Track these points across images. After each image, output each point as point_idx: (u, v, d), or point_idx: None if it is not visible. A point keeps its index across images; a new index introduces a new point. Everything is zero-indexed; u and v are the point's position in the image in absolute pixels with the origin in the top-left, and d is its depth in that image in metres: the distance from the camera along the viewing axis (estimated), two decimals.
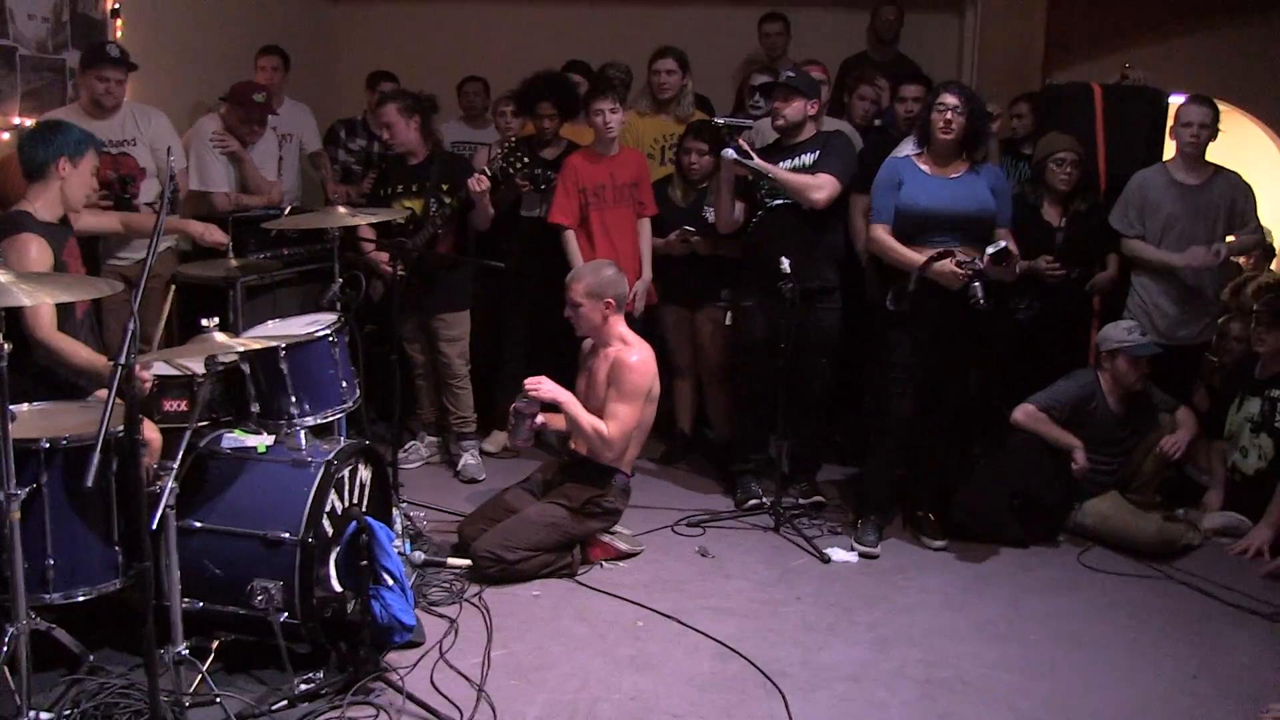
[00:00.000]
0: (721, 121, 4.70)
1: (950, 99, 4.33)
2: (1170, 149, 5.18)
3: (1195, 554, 4.58)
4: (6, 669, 2.79)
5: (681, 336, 5.37)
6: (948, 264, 4.20)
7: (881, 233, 4.42)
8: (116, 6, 5.28)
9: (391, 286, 4.66)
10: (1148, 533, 4.55)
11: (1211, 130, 4.89)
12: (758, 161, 4.53)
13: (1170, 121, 5.17)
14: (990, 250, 4.18)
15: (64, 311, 3.56)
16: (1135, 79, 5.58)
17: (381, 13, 7.59)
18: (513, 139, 5.01)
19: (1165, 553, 4.52)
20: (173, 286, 4.18)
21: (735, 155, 4.48)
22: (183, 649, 2.94)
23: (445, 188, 4.99)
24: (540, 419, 4.22)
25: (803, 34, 6.57)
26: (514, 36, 7.20)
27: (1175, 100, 5.49)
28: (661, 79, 5.55)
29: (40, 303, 2.99)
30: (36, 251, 3.39)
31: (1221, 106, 5.07)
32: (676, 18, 7.11)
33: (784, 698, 3.29)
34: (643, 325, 5.12)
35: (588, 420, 4.15)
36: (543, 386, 4.11)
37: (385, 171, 5.26)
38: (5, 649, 2.77)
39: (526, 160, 4.92)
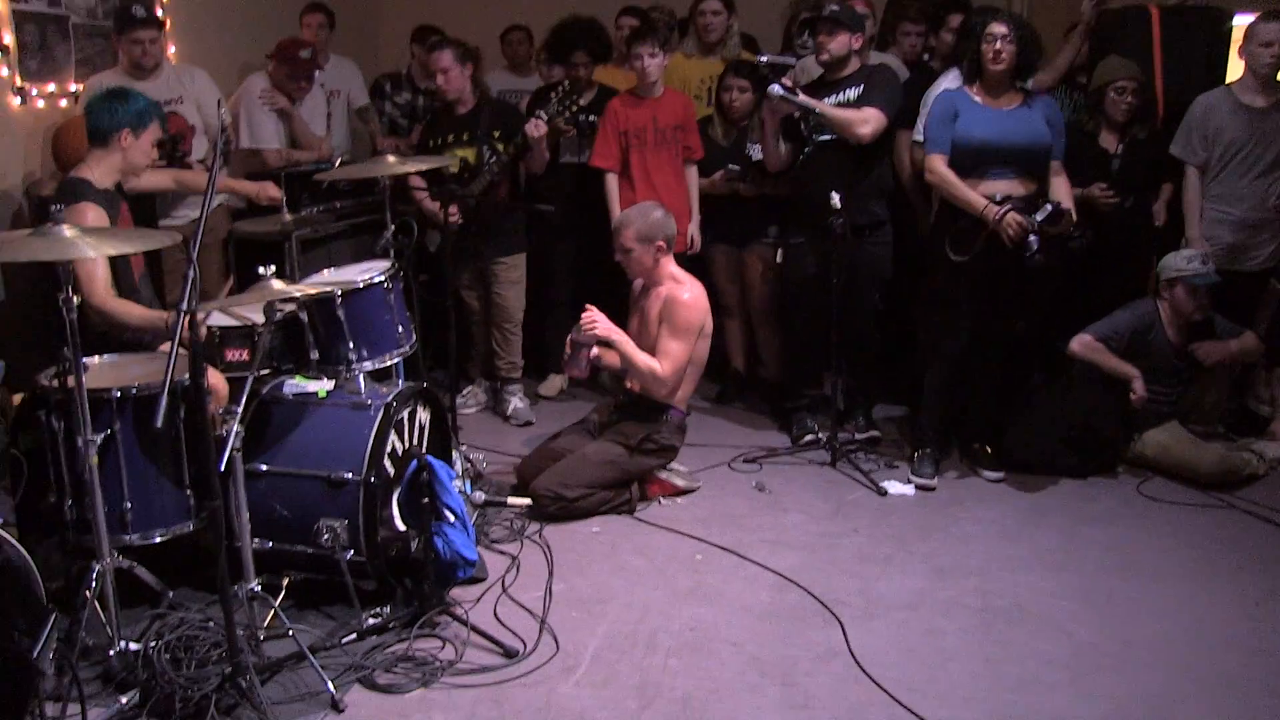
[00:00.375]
0: (765, 60, 4.66)
1: (998, 28, 4.26)
2: (1236, 70, 5.04)
3: (1260, 484, 4.53)
4: (97, 604, 2.92)
5: (729, 276, 5.37)
6: (1009, 217, 4.17)
7: (940, 164, 4.37)
8: None
9: (447, 236, 4.71)
10: (1209, 462, 4.51)
11: None
12: (803, 98, 4.49)
13: (1239, 41, 5.02)
14: (1040, 217, 4.14)
15: (122, 276, 3.66)
16: None
17: None
18: (566, 83, 5.00)
19: (1228, 482, 4.48)
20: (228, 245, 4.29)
21: (782, 92, 4.45)
22: (255, 586, 3.04)
23: (497, 134, 5.01)
24: (595, 351, 4.24)
25: None
26: None
27: (1240, 20, 5.34)
28: (708, 20, 5.50)
29: (102, 255, 3.05)
30: (94, 219, 3.47)
31: None
32: None
33: (842, 626, 3.34)
34: (689, 265, 5.13)
35: (642, 358, 4.19)
36: (598, 323, 4.15)
37: (433, 122, 5.28)
38: (94, 585, 2.90)
39: (581, 104, 4.90)
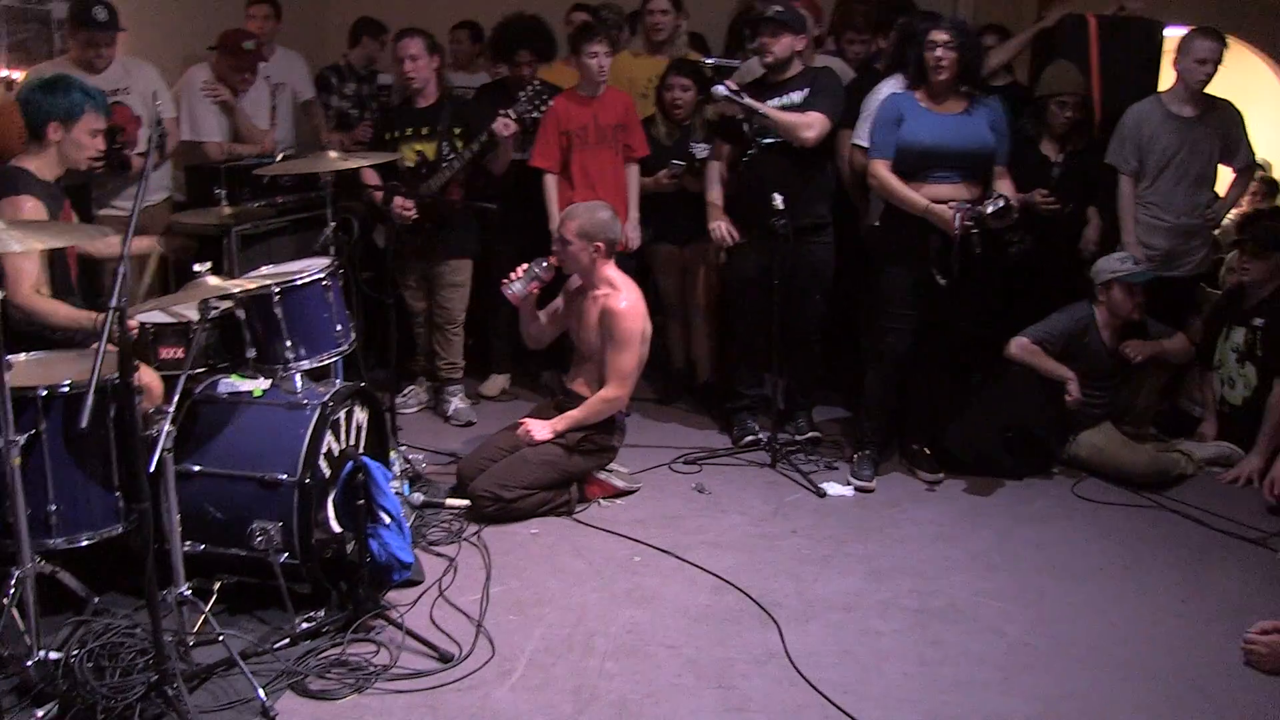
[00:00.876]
0: (709, 62, 4.66)
1: (940, 35, 4.29)
2: (1166, 81, 5.14)
3: (1189, 484, 4.64)
4: (15, 611, 2.84)
5: (673, 275, 5.38)
6: (948, 211, 4.21)
7: (883, 170, 4.40)
8: None
9: (398, 232, 4.67)
10: (1141, 463, 4.60)
11: (1215, 65, 4.84)
12: (748, 100, 4.50)
13: (1173, 53, 5.11)
14: (989, 209, 4.18)
15: (58, 274, 3.57)
16: (1132, 10, 5.51)
17: None
18: (538, 83, 4.96)
19: (1159, 483, 4.57)
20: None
21: (726, 93, 4.46)
22: (185, 590, 2.99)
23: (458, 132, 4.97)
24: (534, 287, 4.29)
25: None
26: None
27: (1172, 32, 5.45)
28: (656, 19, 5.50)
29: (29, 249, 2.98)
30: (31, 211, 3.39)
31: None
32: None
33: (779, 627, 3.35)
34: (635, 264, 5.14)
35: (587, 412, 4.23)
36: (534, 433, 4.19)
37: (388, 114, 5.20)
38: (13, 592, 2.82)
39: (549, 100, 4.87)
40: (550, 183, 5.10)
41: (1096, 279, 4.71)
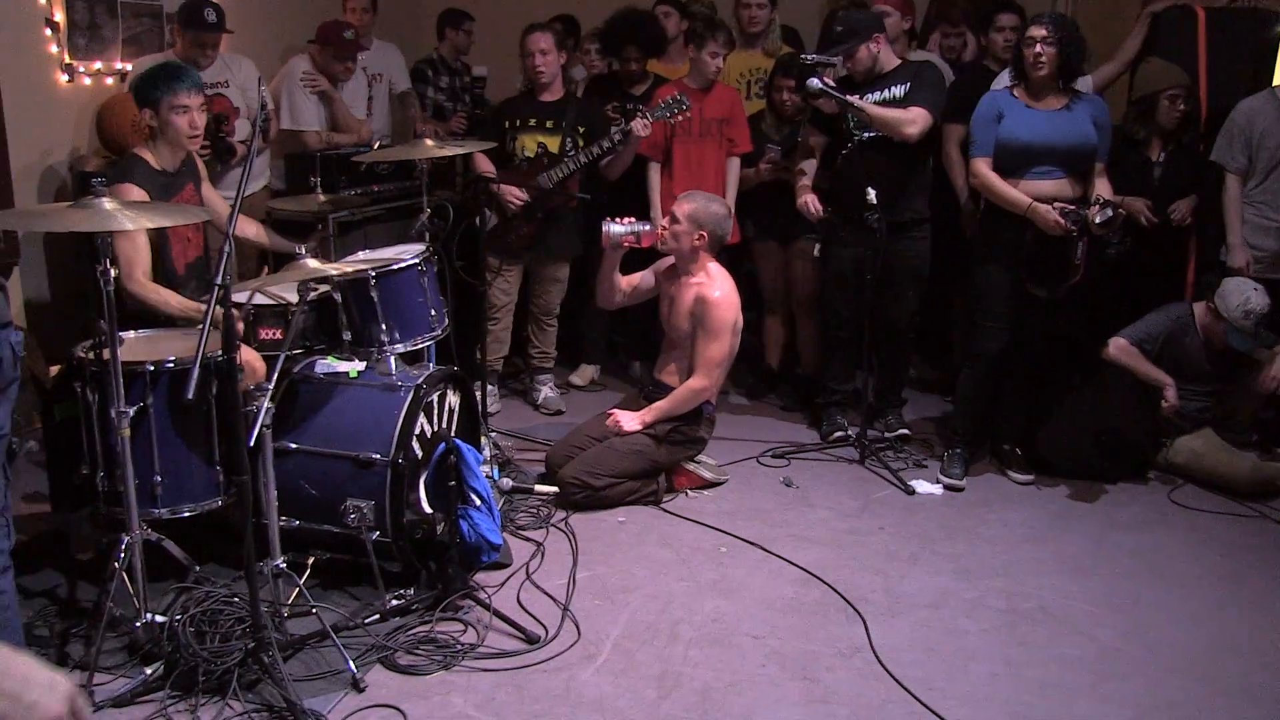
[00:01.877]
0: (809, 59, 4.61)
1: (1037, 30, 4.21)
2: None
3: None
4: (125, 575, 2.95)
5: (773, 271, 5.36)
6: (1052, 212, 4.13)
7: (984, 167, 4.35)
8: None
9: (508, 220, 4.71)
10: (1243, 470, 4.46)
11: None
12: (843, 95, 4.46)
13: None
14: (1098, 220, 4.10)
15: (162, 262, 3.67)
16: (1243, 1, 5.34)
17: None
18: (678, 93, 4.93)
19: (1261, 492, 4.43)
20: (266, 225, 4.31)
21: (820, 86, 4.42)
22: (280, 563, 3.07)
23: (582, 129, 5.00)
24: (629, 242, 4.30)
25: None
26: None
27: None
28: (752, 13, 5.48)
29: (140, 228, 3.06)
30: (135, 198, 3.49)
31: None
32: None
33: (864, 622, 3.33)
34: (731, 260, 5.12)
35: (674, 403, 4.24)
36: (621, 425, 4.23)
37: (510, 103, 5.20)
38: (123, 556, 2.93)
39: (687, 111, 4.89)
40: (654, 171, 5.14)
41: (1216, 298, 4.51)
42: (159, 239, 3.67)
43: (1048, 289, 4.27)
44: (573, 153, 4.94)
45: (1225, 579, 3.73)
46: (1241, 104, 4.82)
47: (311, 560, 3.37)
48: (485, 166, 4.98)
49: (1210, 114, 5.08)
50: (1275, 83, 4.97)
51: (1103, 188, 4.33)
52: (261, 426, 2.92)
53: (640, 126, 4.81)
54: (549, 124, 5.01)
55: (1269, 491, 4.44)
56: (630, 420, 4.24)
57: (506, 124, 5.06)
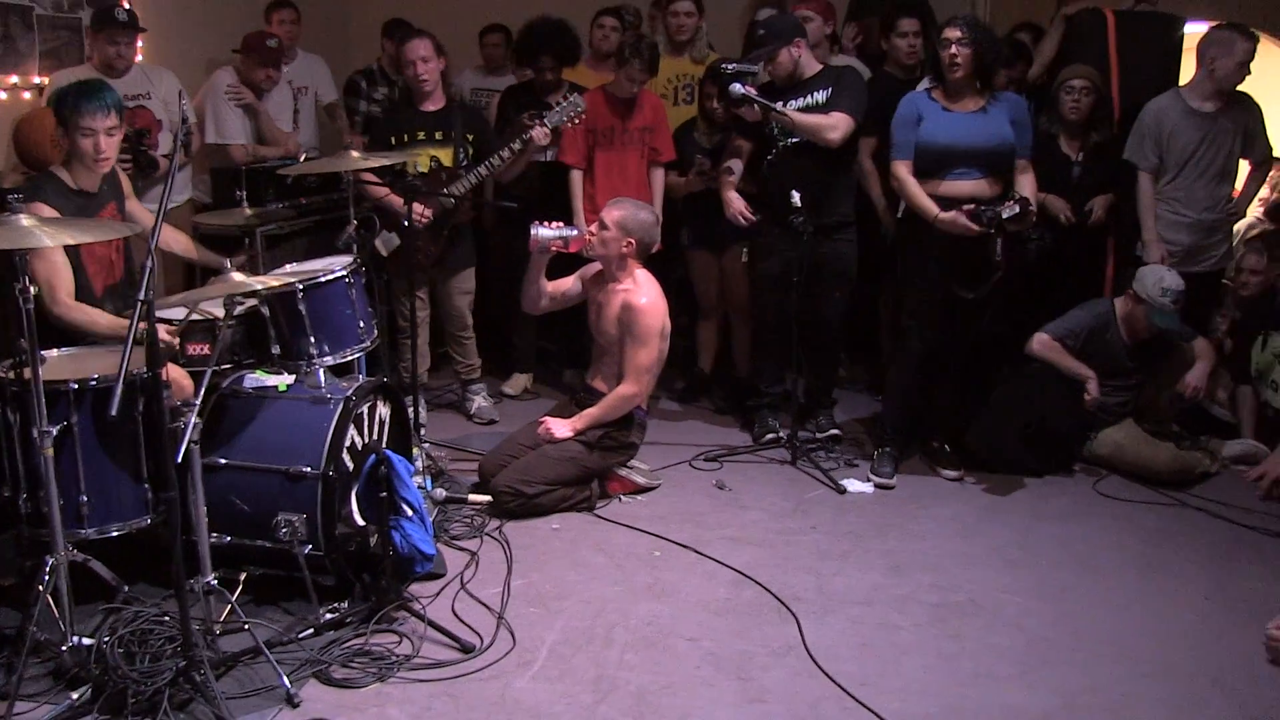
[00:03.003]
0: (729, 68, 4.65)
1: (951, 33, 4.29)
2: (1186, 75, 5.12)
3: (1212, 481, 4.62)
4: (50, 598, 2.90)
5: (707, 278, 5.40)
6: (960, 217, 4.21)
7: (903, 170, 4.42)
8: None
9: (411, 235, 4.70)
10: (1163, 460, 4.59)
11: (1246, 66, 4.81)
12: (765, 102, 4.50)
13: (1191, 48, 5.08)
14: (1005, 214, 4.18)
15: (79, 290, 3.59)
16: (1148, 5, 5.51)
17: None
18: (574, 95, 4.96)
19: (1181, 480, 4.56)
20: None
21: (741, 92, 4.46)
22: (212, 580, 3.04)
23: (470, 138, 4.99)
24: (558, 245, 4.31)
25: None
26: None
27: (1192, 28, 5.44)
28: (680, 20, 5.53)
29: (58, 244, 3.01)
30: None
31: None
32: None
33: (797, 621, 3.37)
34: (663, 267, 5.16)
35: (605, 409, 4.26)
36: (552, 433, 4.24)
37: (394, 116, 5.15)
38: (47, 579, 2.88)
39: (583, 112, 4.89)
40: (576, 179, 5.16)
41: (1134, 284, 4.65)
42: (74, 261, 3.58)
43: (971, 289, 4.35)
44: (466, 164, 4.90)
45: (1148, 566, 3.83)
46: (1150, 104, 4.96)
47: (243, 576, 3.34)
48: (378, 192, 4.81)
49: (1124, 113, 5.22)
50: (1180, 83, 5.13)
51: (1024, 184, 4.41)
52: (189, 442, 2.89)
53: (540, 135, 4.81)
54: (438, 135, 4.95)
55: (1188, 479, 4.57)
56: (562, 427, 4.25)
57: (393, 139, 4.96)
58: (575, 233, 4.31)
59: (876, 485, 4.49)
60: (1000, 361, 4.87)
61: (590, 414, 4.27)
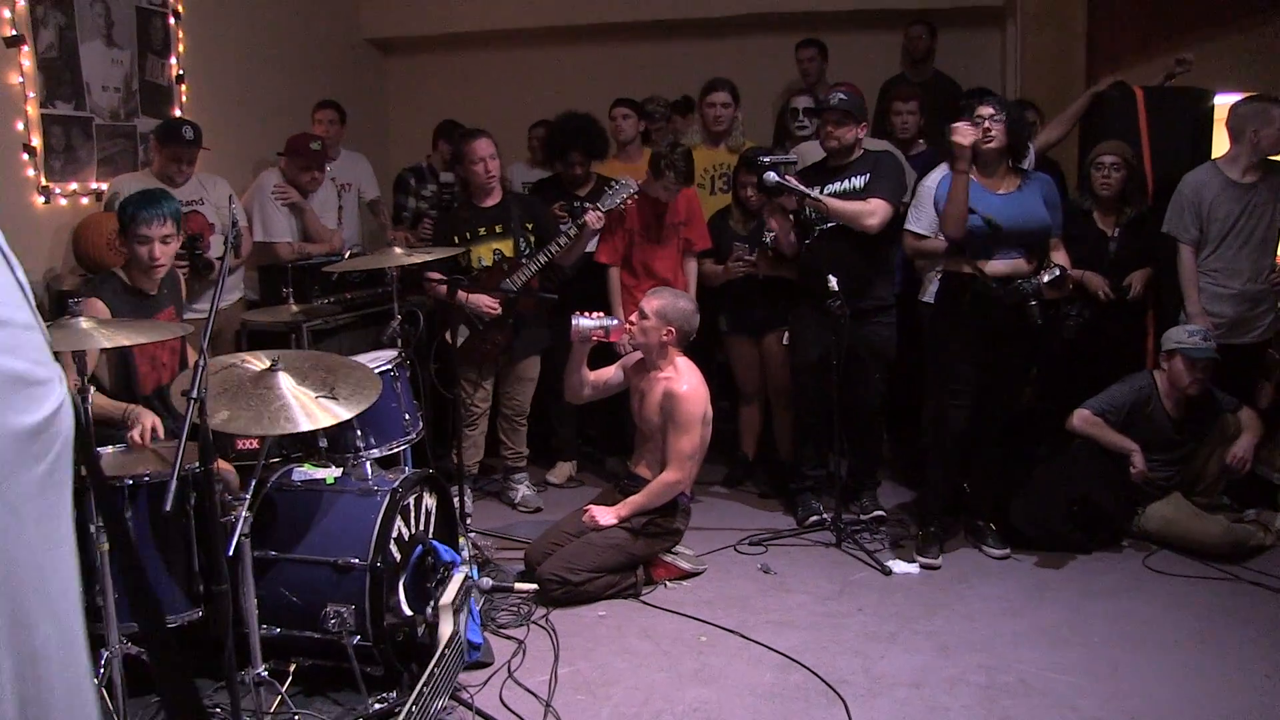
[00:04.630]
0: (766, 160, 4.74)
1: (985, 109, 4.36)
2: (1220, 147, 5.15)
3: (1269, 554, 4.53)
4: (104, 691, 2.94)
5: (748, 364, 5.44)
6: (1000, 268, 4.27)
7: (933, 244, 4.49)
8: (181, 73, 5.56)
9: (480, 328, 4.79)
10: (1214, 534, 4.52)
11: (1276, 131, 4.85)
12: (801, 187, 4.60)
13: (1221, 119, 5.12)
14: (1046, 279, 4.23)
15: (119, 375, 3.70)
16: (1181, 71, 5.56)
17: (432, 63, 7.85)
18: (626, 177, 5.07)
19: (1234, 554, 4.48)
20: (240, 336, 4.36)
21: (776, 179, 4.56)
22: (262, 671, 3.08)
23: (530, 226, 5.11)
24: (599, 335, 4.38)
25: (839, 57, 6.67)
26: (559, 78, 7.39)
27: (1221, 100, 5.48)
28: (717, 111, 5.67)
29: (115, 344, 3.11)
30: (96, 313, 3.52)
31: None
32: (712, 50, 7.27)
33: (845, 704, 3.34)
34: (704, 353, 5.23)
35: (649, 497, 4.30)
36: (598, 518, 4.28)
37: (454, 217, 5.24)
38: (102, 672, 2.92)
39: (635, 194, 5.01)
40: (614, 275, 5.28)
41: (1163, 345, 4.69)
42: (125, 358, 3.70)
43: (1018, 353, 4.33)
44: (528, 252, 5.02)
45: (1202, 642, 3.76)
46: (1187, 177, 4.99)
47: (293, 667, 3.37)
48: (433, 277, 4.90)
49: (1156, 187, 5.26)
50: (1214, 155, 5.16)
51: (1060, 259, 4.42)
52: (240, 535, 2.95)
53: (594, 219, 4.93)
54: (498, 229, 5.07)
55: (1241, 553, 4.49)
56: (606, 515, 4.28)
57: (456, 239, 5.05)
58: (615, 322, 4.39)
59: (922, 566, 4.46)
60: (1042, 438, 4.84)
61: (634, 501, 4.30)
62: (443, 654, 3.11)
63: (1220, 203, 4.88)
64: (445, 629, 3.23)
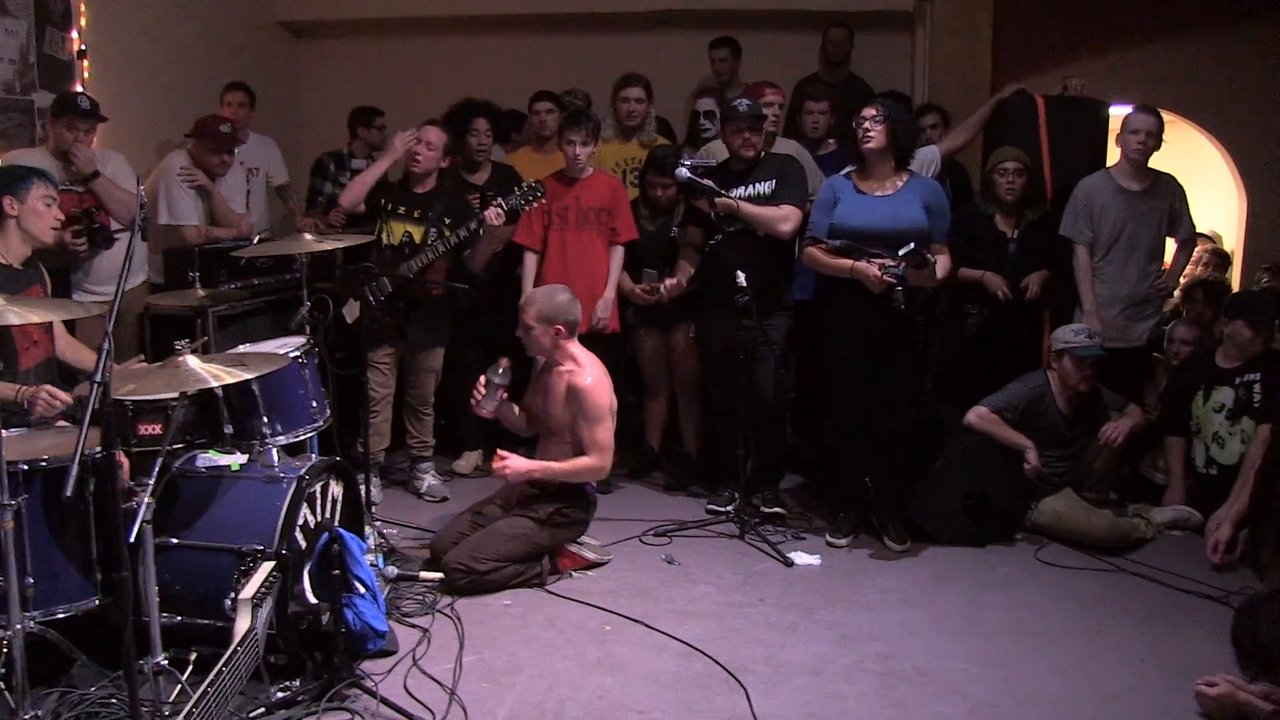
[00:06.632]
0: (686, 163, 4.79)
1: (867, 110, 4.46)
2: (1114, 156, 5.37)
3: (1148, 547, 4.73)
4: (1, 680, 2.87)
5: (654, 357, 5.49)
6: (871, 267, 4.31)
7: (814, 251, 4.57)
8: (83, 48, 5.39)
9: (372, 310, 4.76)
10: (1101, 528, 4.70)
11: (1157, 139, 5.09)
12: (726, 198, 4.69)
13: (1116, 130, 5.35)
14: (901, 251, 4.25)
15: (7, 366, 3.62)
16: (1075, 90, 5.78)
17: (346, 48, 7.74)
18: (533, 181, 5.07)
19: (1119, 546, 4.67)
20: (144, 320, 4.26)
21: (688, 175, 4.63)
22: (161, 660, 3.03)
23: (448, 221, 5.08)
24: (503, 395, 4.35)
25: (756, 57, 6.75)
26: (475, 68, 7.35)
27: (1116, 110, 5.72)
28: (630, 106, 5.71)
29: (26, 321, 3.05)
30: None
31: (1168, 116, 5.29)
32: (628, 44, 7.28)
33: (746, 693, 3.41)
34: (616, 347, 5.29)
35: (567, 468, 4.29)
36: (510, 467, 4.23)
37: (388, 188, 5.24)
38: (5, 652, 2.83)
39: (542, 198, 5.02)
40: (530, 260, 5.25)
41: (1052, 345, 4.88)
42: (5, 336, 3.61)
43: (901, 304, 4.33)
44: (435, 242, 5.01)
45: (1088, 631, 3.92)
46: (1082, 182, 5.21)
47: (194, 656, 3.31)
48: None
49: (1055, 192, 5.46)
50: (1108, 163, 5.38)
51: (941, 262, 4.44)
52: (141, 523, 2.90)
53: (493, 215, 4.93)
54: (416, 214, 5.10)
55: (1125, 545, 4.69)
56: (520, 463, 4.24)
57: (382, 201, 5.13)
58: (500, 370, 4.31)
59: (830, 545, 4.61)
60: (941, 436, 4.98)
61: (552, 467, 4.29)
62: (234, 652, 2.97)
63: (1110, 208, 5.10)
64: (241, 625, 3.07)
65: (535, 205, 5.02)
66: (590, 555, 4.45)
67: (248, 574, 3.25)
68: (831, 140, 5.76)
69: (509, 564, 4.16)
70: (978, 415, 4.79)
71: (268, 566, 3.23)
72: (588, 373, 4.33)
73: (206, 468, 3.57)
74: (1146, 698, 3.43)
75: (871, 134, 4.42)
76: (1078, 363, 4.76)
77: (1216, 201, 7.81)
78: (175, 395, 3.21)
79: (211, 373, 3.10)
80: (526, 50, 7.44)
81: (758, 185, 4.84)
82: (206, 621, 3.33)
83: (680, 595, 4.19)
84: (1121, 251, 5.14)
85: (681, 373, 5.41)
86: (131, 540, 2.79)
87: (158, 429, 3.44)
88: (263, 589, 3.15)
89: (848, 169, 4.71)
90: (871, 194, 4.51)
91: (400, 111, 6.27)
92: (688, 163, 4.78)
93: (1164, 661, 3.67)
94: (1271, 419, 4.64)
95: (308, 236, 4.34)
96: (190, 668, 3.26)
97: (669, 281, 5.13)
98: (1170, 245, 5.37)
